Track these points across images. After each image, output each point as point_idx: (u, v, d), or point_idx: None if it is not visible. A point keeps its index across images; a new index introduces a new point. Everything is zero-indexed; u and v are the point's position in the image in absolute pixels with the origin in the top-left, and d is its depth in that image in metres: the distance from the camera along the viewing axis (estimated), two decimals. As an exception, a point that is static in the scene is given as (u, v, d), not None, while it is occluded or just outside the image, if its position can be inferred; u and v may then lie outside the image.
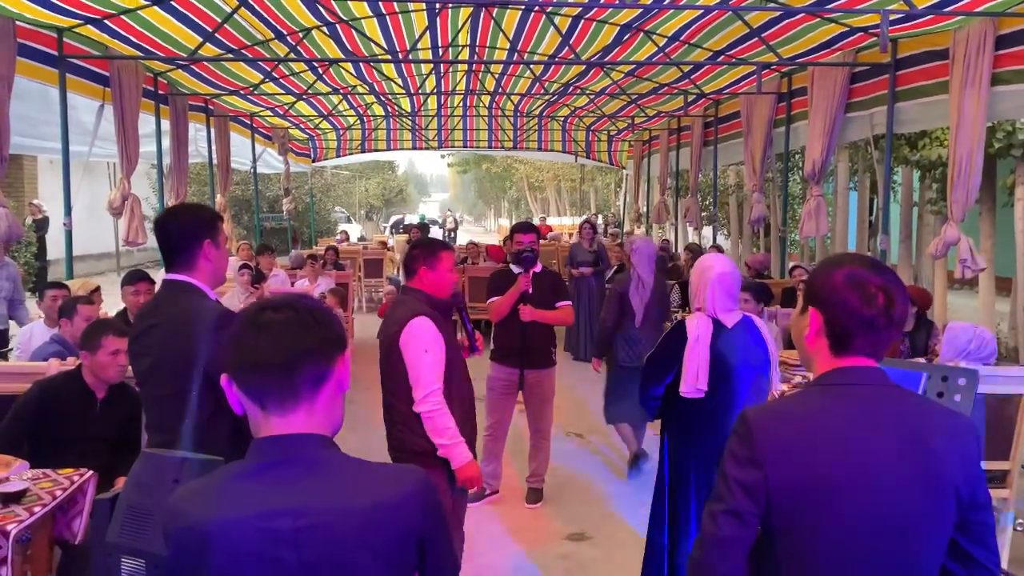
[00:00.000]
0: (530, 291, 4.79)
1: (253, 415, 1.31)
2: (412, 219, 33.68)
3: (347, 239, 17.92)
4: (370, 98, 12.81)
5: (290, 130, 14.10)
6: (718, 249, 10.78)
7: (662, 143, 13.50)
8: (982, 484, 1.51)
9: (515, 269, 4.92)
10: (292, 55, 8.11)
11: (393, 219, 35.45)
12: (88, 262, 17.06)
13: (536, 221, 27.48)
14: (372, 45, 8.78)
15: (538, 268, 4.85)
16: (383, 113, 14.48)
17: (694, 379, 3.17)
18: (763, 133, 8.82)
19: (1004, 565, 4.23)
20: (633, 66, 9.56)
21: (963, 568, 1.53)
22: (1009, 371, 4.18)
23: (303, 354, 1.29)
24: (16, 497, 2.83)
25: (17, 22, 5.34)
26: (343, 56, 8.83)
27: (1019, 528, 4.70)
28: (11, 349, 5.39)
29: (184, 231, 2.47)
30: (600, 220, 26.90)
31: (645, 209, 15.76)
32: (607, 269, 10.11)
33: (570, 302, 5.03)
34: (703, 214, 14.30)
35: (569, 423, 6.84)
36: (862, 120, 7.15)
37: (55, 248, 13.97)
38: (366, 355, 9.76)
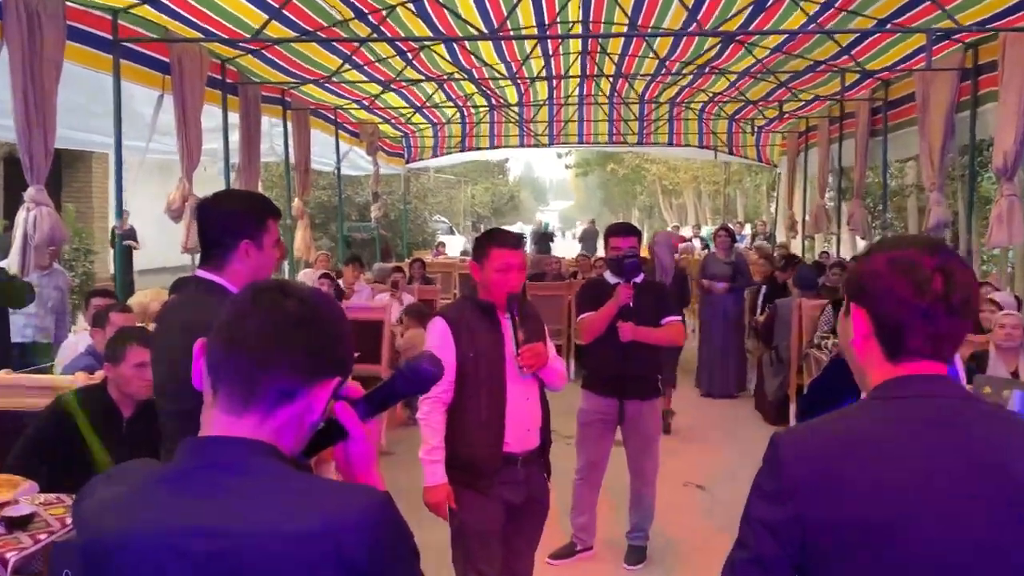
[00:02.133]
0: (631, 305, 4.70)
1: (204, 397, 1.33)
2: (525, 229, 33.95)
3: (443, 251, 18.23)
4: (469, 87, 13.02)
5: (380, 126, 14.49)
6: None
7: (820, 134, 13.08)
8: None
9: (611, 279, 4.86)
10: (374, 35, 8.33)
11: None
12: (162, 276, 18.03)
13: (669, 231, 27.19)
14: (468, 27, 8.91)
15: (639, 278, 4.77)
16: (485, 104, 14.69)
17: None
18: (943, 119, 8.39)
19: None
20: (779, 40, 9.32)
21: None
22: None
23: (280, 357, 1.28)
24: (22, 523, 2.97)
25: (67, 2, 5.70)
26: (432, 35, 8.99)
27: None
28: (52, 364, 5.72)
29: (223, 223, 2.53)
30: (748, 230, 26.32)
31: (802, 216, 15.31)
32: (748, 285, 9.87)
33: (679, 317, 4.92)
34: (873, 221, 13.76)
35: (690, 471, 6.66)
36: (1070, 98, 6.68)
37: (143, 261, 14.85)
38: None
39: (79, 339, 5.50)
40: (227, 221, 2.51)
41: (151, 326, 3.98)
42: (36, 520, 3.03)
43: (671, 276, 8.16)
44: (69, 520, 3.07)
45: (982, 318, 6.69)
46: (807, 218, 14.52)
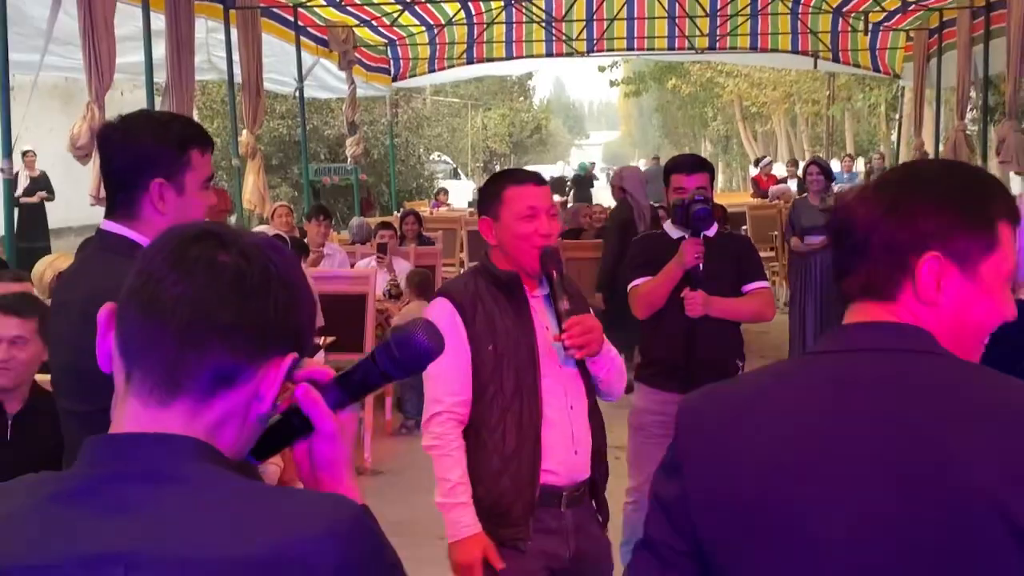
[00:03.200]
0: (701, 267, 4.68)
1: (116, 383, 1.31)
2: (555, 172, 33.81)
3: (446, 200, 18.23)
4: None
5: (355, 30, 14.42)
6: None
7: (960, 32, 12.99)
8: None
9: (673, 233, 4.84)
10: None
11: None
12: (68, 238, 18.09)
13: (754, 171, 27.07)
14: None
15: (712, 231, 4.73)
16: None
17: None
18: None
19: None
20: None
21: None
22: None
23: (213, 329, 1.27)
24: None
25: None
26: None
27: None
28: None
29: (127, 156, 2.49)
30: (861, 166, 26.18)
31: (935, 145, 15.20)
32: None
33: (767, 283, 4.91)
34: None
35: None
36: None
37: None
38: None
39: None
40: (132, 154, 2.47)
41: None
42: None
43: (646, 222, 8.70)
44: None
45: None
46: (941, 148, 14.44)
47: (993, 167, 14.14)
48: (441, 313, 3.08)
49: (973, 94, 13.06)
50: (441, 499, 3.09)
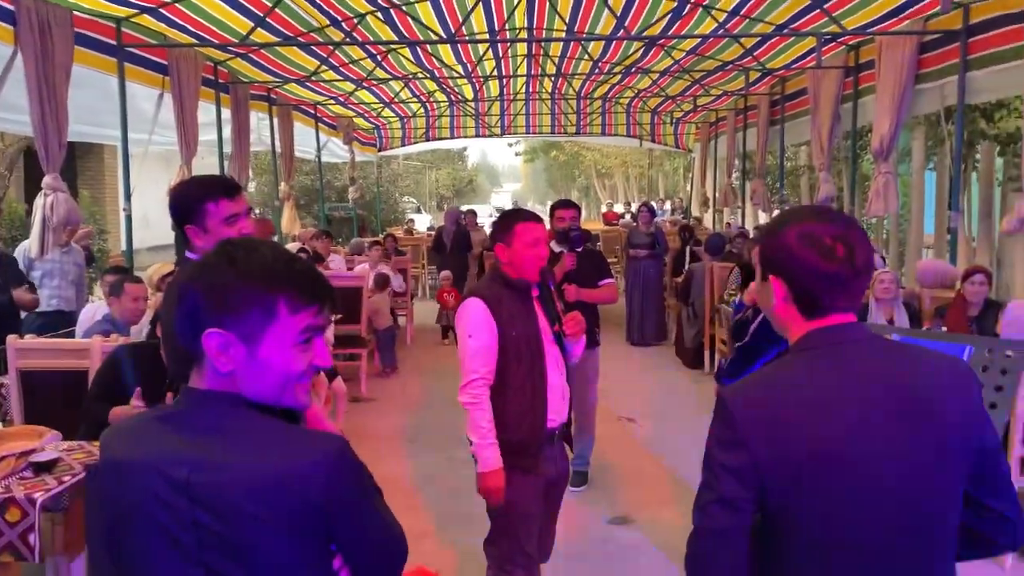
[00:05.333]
0: (575, 269, 4.68)
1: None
2: (483, 209, 33.65)
3: (413, 226, 18.03)
4: (431, 85, 12.83)
5: (354, 119, 14.24)
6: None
7: (728, 124, 13.13)
8: (988, 430, 1.42)
9: (555, 248, 4.81)
10: (347, 40, 8.15)
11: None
12: (169, 252, 17.61)
13: (604, 208, 27.23)
14: (428, 32, 8.76)
15: (581, 248, 4.74)
16: (446, 100, 14.50)
17: None
18: (830, 110, 8.46)
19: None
20: (693, 43, 9.30)
21: (979, 519, 1.43)
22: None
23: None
24: (48, 467, 2.90)
25: (75, 12, 5.49)
26: (397, 39, 8.83)
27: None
28: (73, 330, 5.57)
29: (171, 212, 2.37)
30: (668, 206, 26.46)
31: (712, 193, 15.38)
32: (665, 252, 9.94)
33: (613, 279, 4.92)
34: (772, 197, 13.87)
35: (621, 408, 6.71)
36: (932, 92, 6.77)
37: (152, 239, 14.34)
38: (423, 342, 9.93)
39: (96, 308, 5.34)
40: (171, 210, 2.36)
41: (158, 295, 3.86)
42: (60, 464, 2.95)
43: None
44: (92, 462, 2.99)
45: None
46: (717, 195, 14.62)
47: (749, 208, 14.39)
48: (476, 308, 2.90)
49: (736, 162, 13.21)
50: (478, 440, 2.85)
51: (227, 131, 8.71)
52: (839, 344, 1.41)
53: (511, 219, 3.03)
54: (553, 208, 5.02)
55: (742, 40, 8.70)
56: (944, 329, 5.05)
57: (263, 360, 1.20)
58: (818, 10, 7.02)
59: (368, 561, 1.27)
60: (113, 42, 6.21)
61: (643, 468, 5.40)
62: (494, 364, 2.88)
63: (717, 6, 7.73)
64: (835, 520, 1.33)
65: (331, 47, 8.68)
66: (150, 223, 13.08)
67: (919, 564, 1.37)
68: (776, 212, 14.06)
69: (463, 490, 4.66)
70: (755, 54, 9.21)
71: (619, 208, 29.01)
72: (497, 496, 2.87)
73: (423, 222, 26.05)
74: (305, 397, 1.28)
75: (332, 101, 12.16)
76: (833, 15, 6.99)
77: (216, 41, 7.44)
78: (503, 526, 2.97)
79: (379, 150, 16.91)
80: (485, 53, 10.75)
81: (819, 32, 7.14)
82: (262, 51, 8.32)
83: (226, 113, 8.62)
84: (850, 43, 8.03)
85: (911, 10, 6.60)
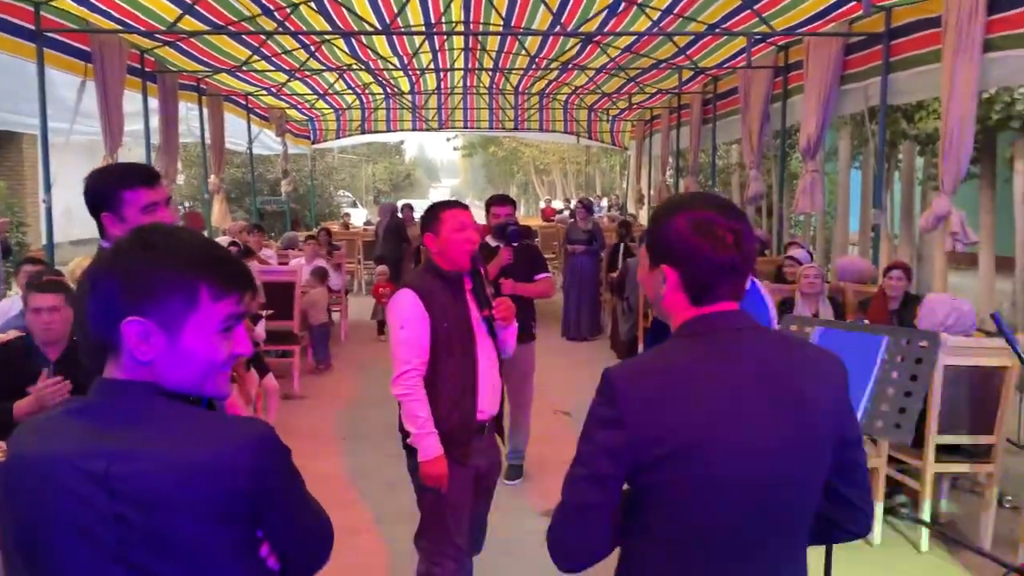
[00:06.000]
0: (511, 264, 4.70)
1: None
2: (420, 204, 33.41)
3: (348, 220, 17.81)
4: (366, 77, 12.69)
5: (287, 111, 13.99)
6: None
7: (663, 122, 13.33)
8: (853, 423, 1.49)
9: (492, 243, 4.82)
10: (280, 29, 8.01)
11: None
12: (92, 246, 17.03)
13: (542, 204, 27.38)
14: (363, 23, 8.66)
15: (517, 243, 4.75)
16: (381, 92, 14.36)
17: None
18: (760, 109, 8.67)
19: (988, 543, 4.14)
20: (628, 41, 9.42)
21: (836, 509, 1.50)
22: (994, 342, 4.07)
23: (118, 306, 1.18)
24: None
25: (-11, -6, 5.27)
26: (331, 30, 8.71)
27: (1006, 505, 4.62)
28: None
29: (87, 199, 2.28)
30: (605, 203, 26.75)
31: (648, 190, 15.61)
32: (602, 248, 10.05)
33: (549, 274, 4.96)
34: (704, 194, 14.13)
35: (556, 402, 6.77)
36: (857, 92, 7.00)
37: (76, 232, 13.82)
38: (358, 338, 9.84)
39: (13, 302, 5.14)
40: (87, 198, 2.27)
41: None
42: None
43: None
44: None
45: (786, 272, 7.02)
46: (652, 192, 14.84)
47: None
48: (408, 299, 2.87)
49: (670, 160, 13.43)
50: (416, 431, 2.83)
51: (154, 121, 8.46)
52: (721, 331, 1.42)
53: (436, 208, 3.03)
54: (489, 204, 5.02)
55: (675, 39, 8.85)
56: (866, 322, 5.23)
57: (185, 349, 1.18)
58: (749, 10, 7.18)
59: (296, 547, 1.26)
60: (32, 26, 5.96)
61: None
62: (427, 355, 2.87)
63: (651, 4, 7.84)
64: (701, 502, 1.35)
65: (263, 36, 8.53)
66: (73, 216, 12.57)
67: (780, 549, 1.42)
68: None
69: (399, 485, 4.62)
70: (688, 53, 9.38)
71: (558, 204, 29.20)
72: (440, 482, 2.86)
73: (359, 216, 25.77)
74: (226, 386, 1.26)
75: (264, 92, 11.93)
76: (763, 16, 7.17)
77: (142, 28, 7.22)
78: (433, 518, 2.97)
79: (313, 142, 16.66)
80: (421, 46, 10.70)
81: (750, 32, 7.31)
82: (191, 39, 8.11)
83: (153, 103, 8.37)
84: (779, 44, 8.24)
85: (837, 12, 6.81)
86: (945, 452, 4.18)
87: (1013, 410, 4.49)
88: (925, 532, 4.15)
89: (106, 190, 2.25)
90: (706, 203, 1.45)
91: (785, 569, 1.45)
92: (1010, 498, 4.70)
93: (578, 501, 1.41)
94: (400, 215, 12.13)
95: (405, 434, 2.94)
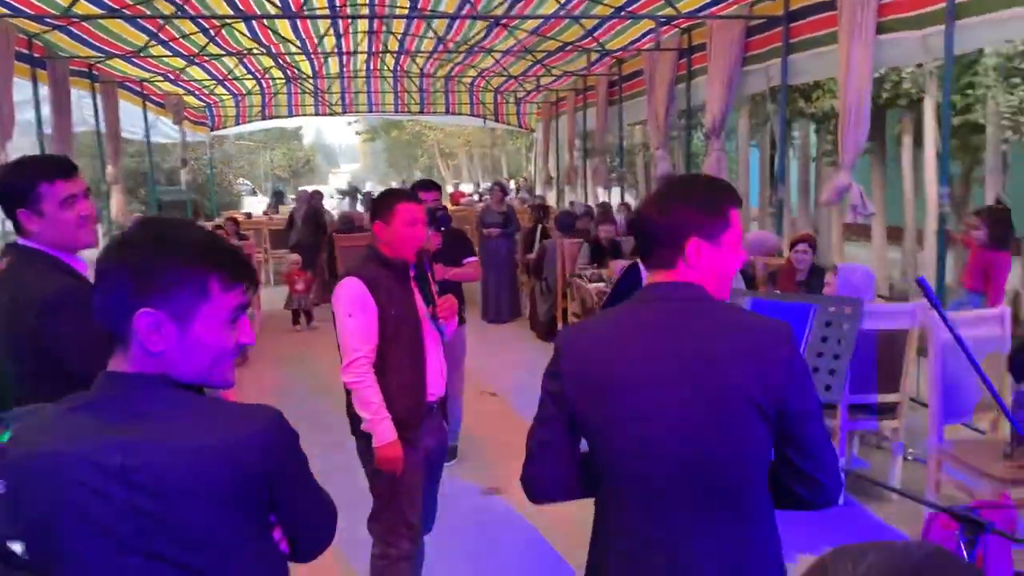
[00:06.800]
0: (440, 249, 4.71)
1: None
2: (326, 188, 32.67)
3: (250, 217, 17.30)
4: (268, 61, 12.37)
5: (184, 97, 13.49)
6: (627, 208, 10.94)
7: (569, 104, 13.51)
8: (800, 395, 1.52)
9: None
10: (178, 13, 7.72)
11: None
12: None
13: (450, 188, 27.30)
14: (265, 4, 8.44)
15: (446, 228, 4.77)
16: (283, 77, 14.02)
17: None
18: (665, 90, 8.92)
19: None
20: (536, 24, 9.50)
21: (792, 479, 1.57)
22: (898, 307, 4.39)
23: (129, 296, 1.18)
24: None
25: None
26: (232, 13, 8.45)
27: (909, 457, 4.98)
28: None
29: (1, 198, 2.17)
30: (512, 185, 26.89)
31: (556, 172, 15.78)
32: (517, 231, 10.16)
33: (476, 258, 5.01)
34: (611, 175, 14.44)
35: (482, 383, 6.85)
36: (759, 73, 7.31)
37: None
38: (272, 329, 9.64)
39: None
40: (3, 195, 2.17)
41: None
42: None
43: None
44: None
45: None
46: (560, 174, 15.02)
47: (590, 183, 14.90)
48: (354, 287, 2.86)
49: (577, 142, 13.64)
50: (370, 416, 2.85)
51: (46, 110, 8.04)
52: (658, 298, 1.59)
53: (392, 198, 3.01)
54: (414, 189, 5.02)
55: (583, 21, 8.99)
56: (777, 292, 5.52)
57: (195, 339, 1.19)
58: (655, -7, 7.37)
59: (308, 530, 1.30)
60: (-91, 10, 5.59)
61: (510, 440, 5.50)
62: (375, 342, 2.88)
63: (559, -13, 7.95)
64: (626, 452, 1.54)
65: (160, 21, 8.21)
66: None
67: (716, 512, 1.51)
68: (615, 189, 14.69)
69: (334, 476, 4.62)
70: (595, 35, 9.54)
71: (467, 188, 29.20)
72: (396, 465, 2.90)
73: (259, 205, 25.07)
74: (232, 375, 1.27)
75: (160, 78, 11.47)
76: (669, -1, 7.37)
77: (30, 11, 6.84)
78: (387, 501, 2.99)
79: (211, 129, 16.12)
80: (327, 32, 10.50)
81: (655, 15, 7.52)
82: (83, 24, 7.73)
83: (44, 90, 7.95)
84: (683, 26, 8.49)
85: (739, -5, 7.08)
86: (856, 411, 4.48)
87: (913, 370, 4.84)
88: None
89: (20, 185, 2.15)
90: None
91: (724, 534, 1.51)
92: (911, 450, 5.06)
93: (534, 441, 1.65)
94: (315, 203, 11.90)
95: (354, 421, 2.95)
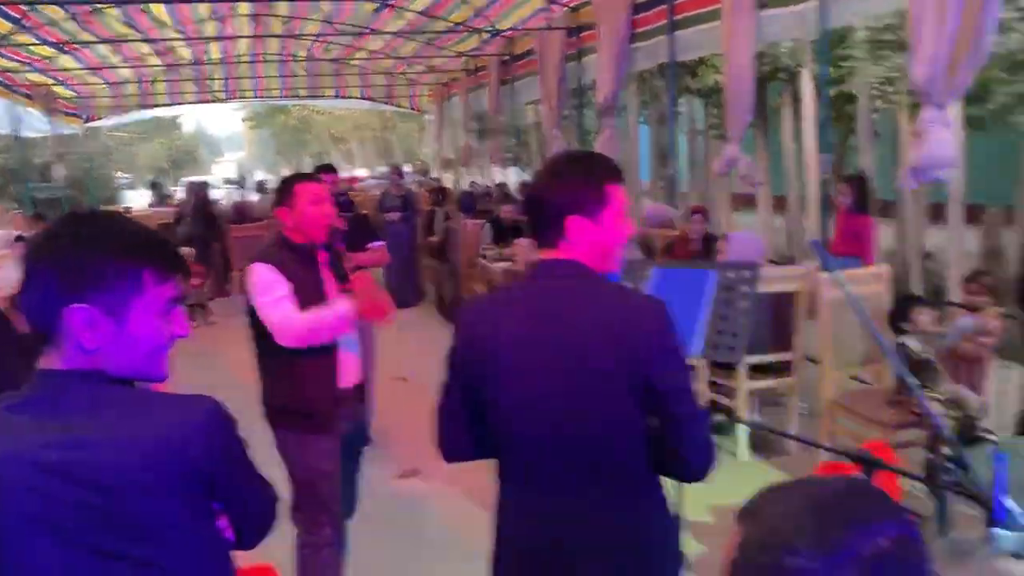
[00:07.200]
0: (345, 234, 4.67)
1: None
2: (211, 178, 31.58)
3: (130, 211, 16.56)
4: (144, 47, 11.80)
5: (53, 88, 12.73)
6: (526, 187, 11.05)
7: (461, 85, 13.48)
8: (668, 373, 1.56)
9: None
10: (45, -1, 7.30)
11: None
12: None
13: (344, 174, 26.83)
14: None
15: (349, 212, 4.75)
16: (160, 64, 13.41)
17: None
18: (556, 69, 9.03)
19: (793, 445, 4.74)
20: (427, 3, 9.43)
21: (660, 452, 1.61)
22: (788, 270, 4.64)
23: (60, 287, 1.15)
24: None
25: None
26: (106, -1, 8.05)
27: (803, 412, 5.29)
28: None
29: None
30: (408, 168, 26.66)
31: (452, 154, 15.73)
32: (416, 214, 10.13)
33: (383, 242, 4.99)
34: (507, 155, 14.53)
35: (392, 368, 6.83)
36: (647, 50, 7.50)
37: None
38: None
39: None
40: None
41: None
42: None
43: None
44: None
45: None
46: (455, 155, 15.00)
47: (487, 164, 14.97)
48: (263, 270, 2.78)
49: (472, 123, 13.64)
50: (325, 318, 2.73)
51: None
52: (543, 275, 1.69)
53: (289, 182, 2.97)
54: (316, 173, 4.96)
55: (471, 1, 8.98)
56: (675, 261, 5.73)
57: (131, 333, 1.18)
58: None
59: (249, 514, 1.30)
60: None
61: (423, 423, 5.58)
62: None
63: (448, -33, 7.91)
64: (502, 417, 1.67)
65: (25, 7, 7.73)
66: None
67: (587, 469, 1.59)
68: (512, 168, 14.82)
69: (264, 468, 4.56)
70: (486, 14, 9.55)
71: (361, 172, 28.73)
72: (380, 312, 2.97)
73: (139, 199, 23.98)
74: (166, 368, 1.26)
75: (28, 68, 10.79)
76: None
77: None
78: (306, 490, 2.98)
79: (85, 121, 15.26)
80: (209, 16, 10.11)
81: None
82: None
83: None
84: (572, 5, 8.60)
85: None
86: (753, 371, 4.73)
87: (804, 329, 5.14)
88: (743, 442, 4.69)
89: None
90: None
91: (602, 504, 1.60)
92: (805, 406, 5.38)
93: (438, 406, 1.79)
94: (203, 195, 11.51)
95: (272, 413, 2.93)
